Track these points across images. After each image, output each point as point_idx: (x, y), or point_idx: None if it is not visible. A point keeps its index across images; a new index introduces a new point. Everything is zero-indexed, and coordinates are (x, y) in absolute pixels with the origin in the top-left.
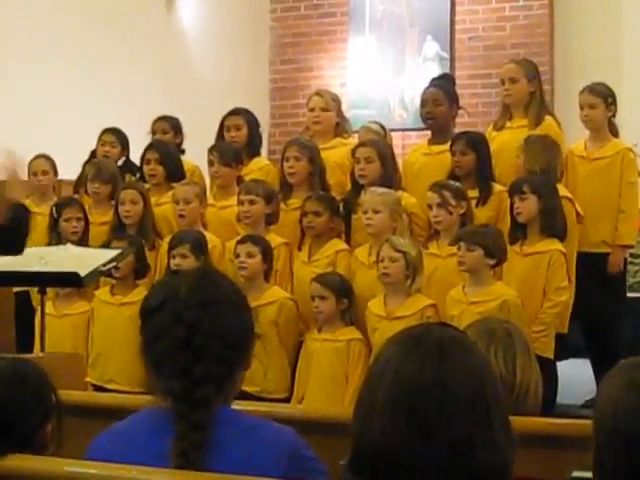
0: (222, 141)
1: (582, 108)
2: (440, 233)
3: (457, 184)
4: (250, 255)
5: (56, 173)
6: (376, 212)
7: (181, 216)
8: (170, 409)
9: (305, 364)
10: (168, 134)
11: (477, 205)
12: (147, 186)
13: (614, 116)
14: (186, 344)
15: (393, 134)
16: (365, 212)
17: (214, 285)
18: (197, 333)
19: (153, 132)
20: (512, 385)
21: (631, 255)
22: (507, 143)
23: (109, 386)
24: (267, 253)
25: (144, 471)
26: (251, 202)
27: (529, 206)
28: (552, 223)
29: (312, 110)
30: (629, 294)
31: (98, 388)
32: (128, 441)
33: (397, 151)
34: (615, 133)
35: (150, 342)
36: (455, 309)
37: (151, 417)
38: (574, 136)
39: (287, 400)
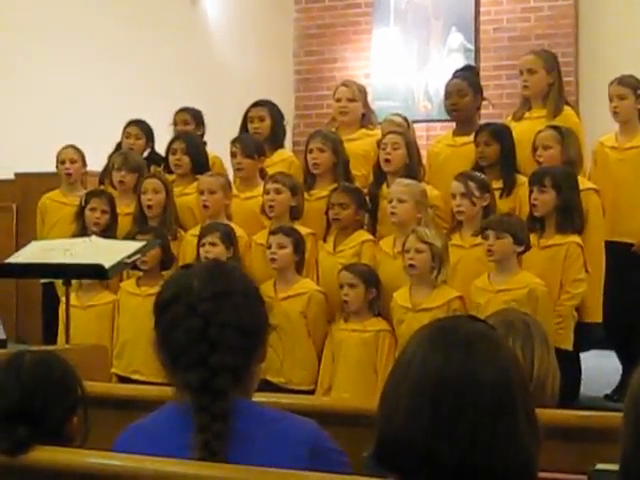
0: (245, 133)
1: (611, 100)
2: (462, 224)
3: (483, 176)
4: (281, 246)
5: (85, 163)
6: (401, 202)
7: (205, 206)
8: (190, 403)
9: (330, 354)
10: (190, 125)
11: (501, 196)
12: (172, 177)
13: None
14: (201, 335)
15: (417, 125)
16: (390, 201)
17: (226, 277)
18: (211, 323)
19: (175, 123)
20: (530, 377)
21: None
22: (525, 133)
23: (134, 376)
24: (299, 244)
25: (168, 462)
26: (277, 191)
27: (547, 200)
28: (569, 220)
29: (339, 100)
30: None
31: (123, 379)
32: (151, 437)
33: (421, 142)
34: None
35: (166, 335)
36: (481, 298)
37: (173, 413)
38: (601, 128)
39: (314, 392)
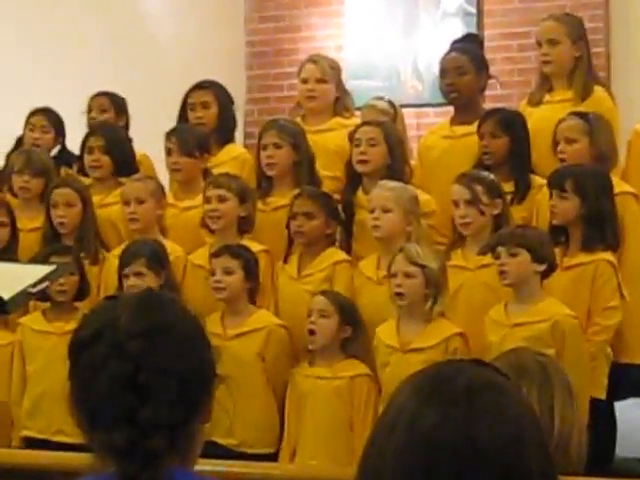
0: (184, 124)
1: None
2: (466, 239)
3: (491, 176)
4: (228, 272)
5: None
6: (386, 211)
7: (132, 220)
8: (112, 473)
9: (295, 409)
10: (107, 113)
11: (511, 203)
12: (88, 181)
13: None
14: (129, 383)
15: (406, 111)
16: (372, 211)
17: (162, 310)
18: (142, 368)
19: (89, 110)
20: (549, 435)
21: None
22: (546, 122)
23: (56, 439)
24: (251, 267)
25: None
26: (221, 199)
27: (568, 208)
28: (597, 234)
29: (305, 81)
30: None
31: (41, 443)
32: None
33: (411, 132)
34: None
35: (83, 384)
36: (495, 334)
37: None
38: (638, 113)
39: (275, 457)
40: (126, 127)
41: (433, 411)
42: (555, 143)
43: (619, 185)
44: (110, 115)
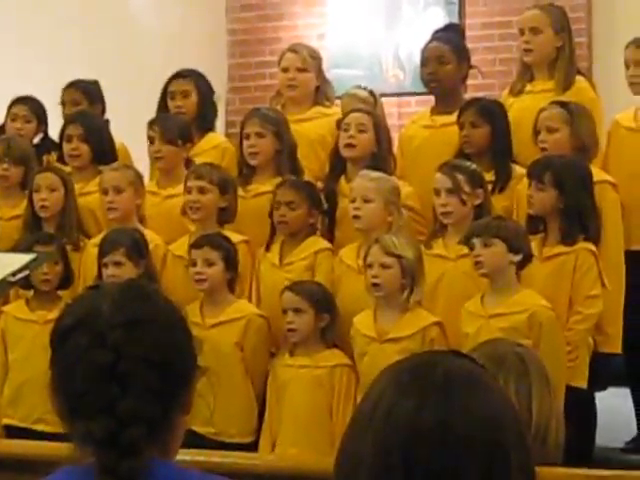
0: (165, 112)
1: (627, 66)
2: (447, 229)
3: (473, 166)
4: (209, 263)
5: None
6: (367, 201)
7: (111, 209)
8: (92, 463)
9: (275, 397)
10: (81, 105)
11: (492, 192)
12: (68, 170)
13: None
14: (110, 373)
15: (387, 100)
16: (353, 201)
17: (145, 301)
18: (123, 358)
19: (63, 103)
20: (527, 425)
21: None
22: (527, 112)
23: (37, 427)
24: (230, 258)
25: None
26: (201, 190)
27: (544, 200)
28: (576, 225)
29: (286, 70)
30: None
31: (19, 432)
32: None
33: (392, 122)
34: None
35: (64, 373)
36: (471, 325)
37: (69, 478)
38: (620, 103)
39: (254, 446)
40: (102, 112)
41: (411, 400)
42: (536, 132)
43: (598, 174)
44: (84, 107)
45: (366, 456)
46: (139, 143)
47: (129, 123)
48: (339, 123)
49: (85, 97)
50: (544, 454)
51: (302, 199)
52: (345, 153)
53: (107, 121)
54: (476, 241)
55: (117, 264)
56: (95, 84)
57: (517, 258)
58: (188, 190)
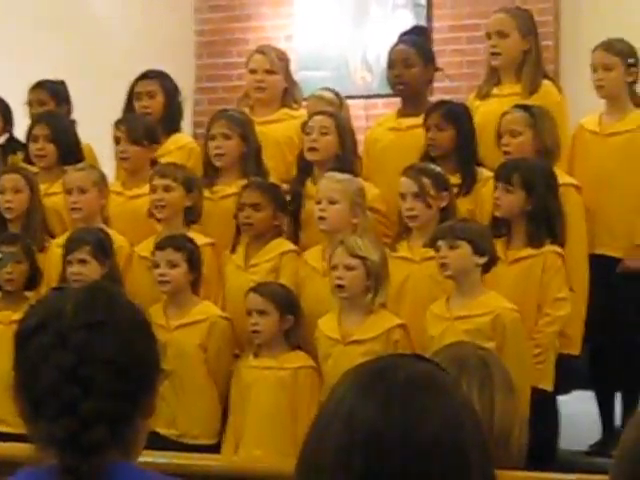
0: (131, 113)
1: (595, 70)
2: (412, 231)
3: (438, 169)
4: (172, 264)
5: None
6: (332, 203)
7: (74, 209)
8: (54, 464)
9: (239, 400)
10: (47, 106)
11: (457, 195)
12: (34, 170)
13: (636, 82)
14: (72, 374)
15: (354, 102)
16: (318, 202)
17: (108, 303)
18: (85, 360)
19: (29, 103)
20: (490, 429)
21: None
22: (494, 115)
23: None
24: (194, 259)
25: None
26: (166, 188)
27: (512, 202)
28: (543, 228)
29: (253, 72)
30: None
31: None
32: None
33: (359, 123)
34: (638, 103)
35: (27, 374)
36: (436, 328)
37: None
38: (587, 106)
39: (218, 447)
40: (69, 113)
41: (372, 405)
42: (499, 136)
43: (562, 177)
44: (50, 107)
45: (327, 459)
46: (105, 144)
47: (95, 123)
48: (304, 126)
49: (52, 97)
50: (506, 457)
51: (267, 201)
52: (309, 157)
53: (74, 121)
54: (442, 243)
55: (82, 262)
56: (62, 84)
57: (482, 260)
58: (153, 189)
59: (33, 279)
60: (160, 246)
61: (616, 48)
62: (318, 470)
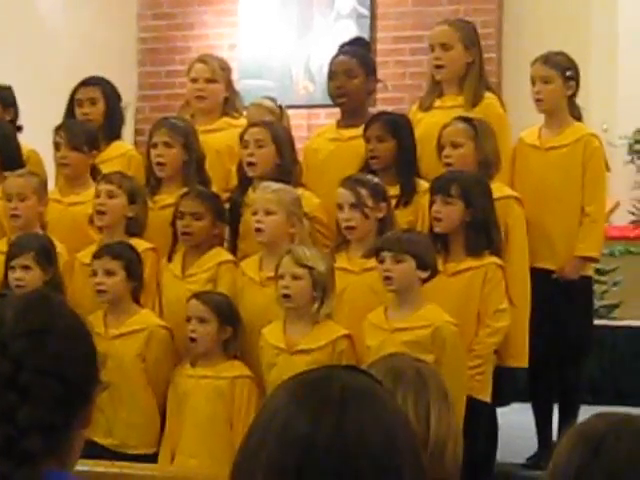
0: (72, 119)
1: (534, 83)
2: (351, 242)
3: (376, 180)
4: (109, 273)
5: None
6: (268, 214)
7: (14, 216)
8: None
9: (176, 409)
10: None
11: (397, 206)
12: None
13: (575, 95)
14: (10, 382)
15: (297, 112)
16: (255, 213)
17: (49, 312)
18: (23, 368)
19: None
20: (425, 441)
21: (597, 271)
22: (436, 127)
23: None
24: (133, 267)
25: None
26: (110, 194)
27: (453, 214)
28: (482, 239)
29: (195, 81)
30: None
31: None
32: None
33: (301, 134)
34: (577, 116)
35: None
36: (374, 338)
37: None
38: (527, 119)
39: (156, 457)
40: (15, 118)
41: (306, 416)
42: (440, 147)
43: (502, 190)
44: None
45: (260, 471)
46: (52, 149)
47: (42, 129)
48: (242, 135)
49: None
50: (441, 470)
51: (207, 210)
52: (248, 172)
53: (20, 127)
54: (387, 255)
55: (25, 268)
56: (8, 89)
57: (425, 275)
58: (97, 194)
59: None
60: (97, 254)
61: (554, 61)
62: (253, 478)
